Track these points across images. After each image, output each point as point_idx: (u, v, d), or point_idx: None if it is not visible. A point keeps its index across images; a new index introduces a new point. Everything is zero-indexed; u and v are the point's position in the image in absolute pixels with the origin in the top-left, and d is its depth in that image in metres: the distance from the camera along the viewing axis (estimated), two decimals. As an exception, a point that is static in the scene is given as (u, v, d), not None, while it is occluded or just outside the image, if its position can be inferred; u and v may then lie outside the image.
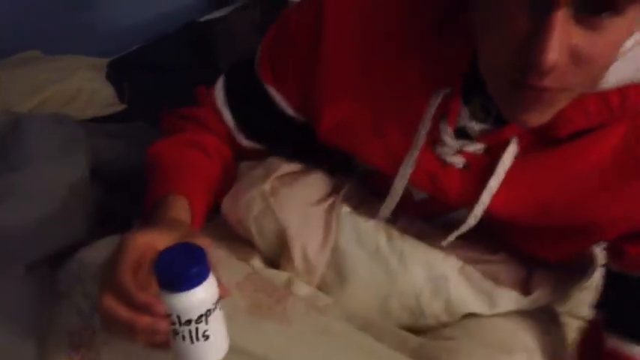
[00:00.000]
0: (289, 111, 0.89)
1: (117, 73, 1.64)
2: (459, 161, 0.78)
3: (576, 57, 0.59)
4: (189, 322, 0.62)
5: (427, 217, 0.91)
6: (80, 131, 1.16)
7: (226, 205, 0.90)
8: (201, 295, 0.62)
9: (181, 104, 0.98)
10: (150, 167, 0.88)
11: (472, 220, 0.80)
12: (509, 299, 0.87)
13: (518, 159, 0.75)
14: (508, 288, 0.88)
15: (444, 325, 0.89)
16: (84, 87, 1.55)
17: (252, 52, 0.93)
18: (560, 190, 0.75)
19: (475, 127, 0.76)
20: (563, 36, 0.57)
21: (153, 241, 0.66)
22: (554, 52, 0.57)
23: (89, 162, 1.08)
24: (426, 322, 0.89)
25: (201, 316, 0.62)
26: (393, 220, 0.91)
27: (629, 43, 0.68)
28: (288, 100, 0.88)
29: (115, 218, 1.00)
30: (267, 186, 0.88)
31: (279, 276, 0.89)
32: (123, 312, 0.62)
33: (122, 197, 1.11)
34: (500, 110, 0.69)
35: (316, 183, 0.92)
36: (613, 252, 0.80)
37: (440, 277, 0.87)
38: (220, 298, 0.64)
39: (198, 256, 0.62)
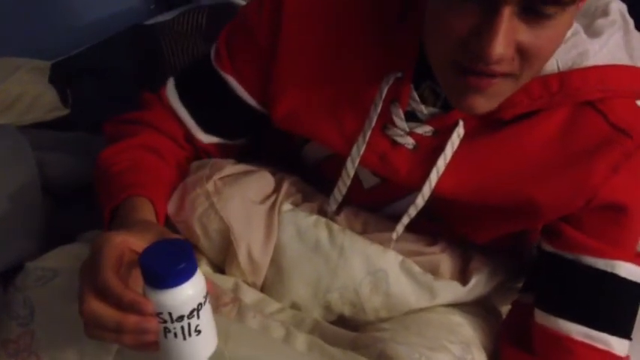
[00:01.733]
0: (249, 100, 0.92)
1: (60, 76, 1.60)
2: (408, 142, 0.82)
3: (521, 50, 0.65)
4: (181, 318, 0.61)
5: (374, 208, 0.94)
6: (25, 142, 1.13)
7: (171, 206, 0.90)
8: (192, 290, 0.60)
9: (126, 108, 0.97)
10: (102, 173, 0.87)
11: (420, 200, 0.83)
12: (449, 290, 0.91)
13: (465, 141, 0.79)
14: (447, 279, 0.91)
15: (383, 321, 0.91)
16: (25, 90, 1.51)
17: (201, 54, 0.95)
18: (503, 171, 0.80)
19: (424, 110, 0.81)
20: (510, 31, 0.62)
21: (129, 241, 0.65)
22: (501, 45, 0.62)
23: (37, 177, 1.06)
24: (366, 318, 0.91)
25: (193, 310, 0.61)
26: (338, 212, 0.93)
27: (569, 31, 0.75)
28: (248, 89, 0.91)
29: (64, 234, 0.98)
30: (210, 186, 0.89)
31: (226, 281, 0.89)
32: (109, 313, 0.61)
33: (72, 213, 1.09)
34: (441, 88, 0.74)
35: (259, 182, 0.93)
36: (549, 232, 0.84)
37: (379, 270, 0.89)
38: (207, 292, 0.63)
39: (185, 250, 0.61)
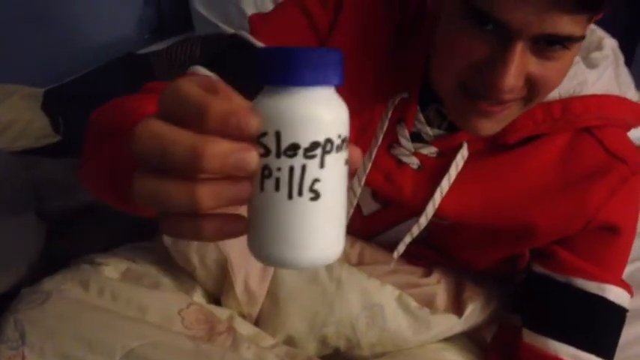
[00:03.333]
0: None
1: (52, 104, 1.60)
2: (413, 162, 0.83)
3: (531, 80, 0.68)
4: (294, 148, 0.38)
5: (370, 235, 0.94)
6: (20, 168, 1.12)
7: (168, 237, 0.89)
8: (327, 109, 0.39)
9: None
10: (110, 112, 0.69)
11: (423, 219, 0.83)
12: (445, 323, 0.92)
13: (469, 163, 0.81)
14: (443, 313, 0.92)
15: (378, 356, 0.91)
16: (17, 117, 1.51)
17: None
18: (505, 193, 0.81)
19: (430, 132, 0.82)
20: (521, 63, 0.66)
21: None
22: (513, 77, 0.65)
23: (32, 202, 1.05)
24: (362, 353, 0.91)
25: (316, 144, 0.38)
26: None
27: None
28: None
29: (60, 259, 0.97)
30: None
31: (221, 312, 0.89)
32: (183, 135, 0.38)
33: (67, 237, 1.08)
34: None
35: None
36: (541, 254, 0.85)
37: (376, 305, 0.89)
38: (349, 154, 0.42)
39: (331, 52, 0.40)
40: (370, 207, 0.90)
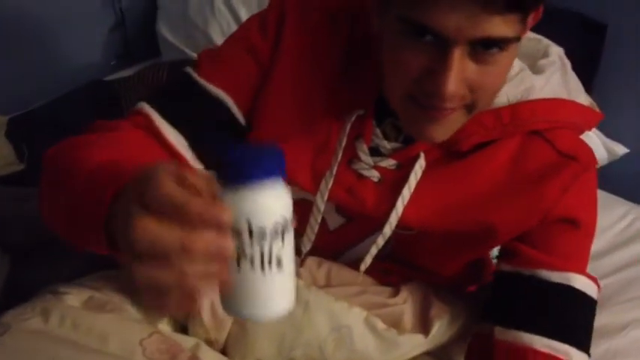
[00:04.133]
0: (238, 115, 0.87)
1: (17, 131, 1.59)
2: (374, 175, 0.86)
3: (472, 85, 0.71)
4: (262, 233, 0.47)
5: (337, 251, 0.95)
6: None
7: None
8: (278, 200, 0.48)
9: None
10: (68, 167, 0.70)
11: (387, 229, 0.85)
12: (411, 343, 0.92)
13: (427, 173, 0.84)
14: (410, 333, 0.93)
15: None
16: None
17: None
18: (463, 197, 0.84)
19: (387, 145, 0.85)
20: (460, 70, 0.68)
21: (186, 167, 0.50)
22: (453, 84, 0.68)
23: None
24: None
25: (277, 224, 0.48)
26: (301, 263, 0.95)
27: (515, 68, 0.83)
28: (239, 104, 0.87)
29: (22, 291, 0.96)
30: None
31: (186, 340, 0.87)
32: (171, 231, 0.45)
33: (29, 268, 1.07)
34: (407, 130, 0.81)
35: None
36: (506, 252, 0.87)
37: (344, 327, 0.90)
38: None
39: (274, 150, 0.49)
40: (335, 221, 0.92)
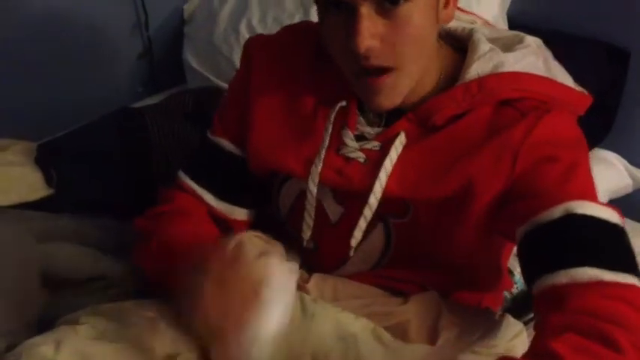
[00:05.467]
0: (236, 151, 1.04)
1: (46, 157, 1.61)
2: (360, 156, 0.94)
3: (386, 40, 0.81)
4: None
5: (345, 252, 0.99)
6: (27, 234, 1.14)
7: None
8: None
9: (111, 191, 0.99)
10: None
11: (373, 199, 0.92)
12: (419, 354, 0.93)
13: (407, 148, 0.92)
14: (417, 343, 0.94)
15: None
16: (11, 170, 1.52)
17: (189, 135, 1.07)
18: (442, 164, 0.91)
19: (371, 131, 0.95)
20: (370, 25, 0.79)
21: None
22: (365, 38, 0.79)
23: (37, 269, 1.08)
24: None
25: None
26: (307, 279, 1.00)
27: (485, 48, 0.92)
28: (232, 140, 1.04)
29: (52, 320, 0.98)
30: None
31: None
32: None
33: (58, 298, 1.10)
34: (386, 113, 0.92)
35: None
36: (509, 220, 0.88)
37: (350, 336, 0.92)
38: None
39: None
40: (335, 211, 0.98)
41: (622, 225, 0.83)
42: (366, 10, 0.78)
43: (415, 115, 0.92)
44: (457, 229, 0.93)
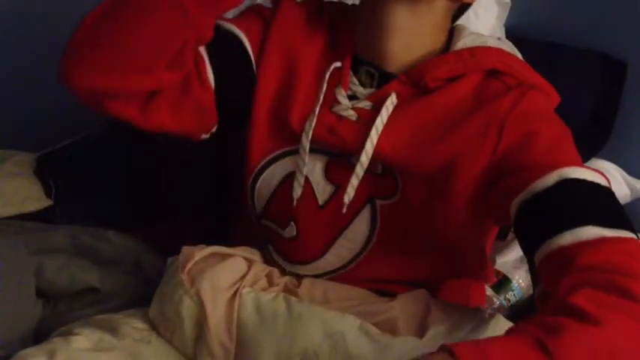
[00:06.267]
0: (249, 49, 1.04)
1: (45, 169, 1.62)
2: (351, 114, 1.00)
3: None
4: None
5: (333, 237, 1.03)
6: (23, 251, 1.14)
7: (153, 305, 0.98)
8: None
9: (111, 201, 0.99)
10: None
11: (364, 157, 0.96)
12: (407, 347, 0.93)
13: (398, 109, 0.97)
14: (405, 336, 0.94)
15: None
16: (10, 182, 1.52)
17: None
18: (430, 128, 0.96)
19: (363, 91, 1.01)
20: None
21: None
22: None
23: (34, 287, 1.09)
24: None
25: None
26: (298, 283, 1.03)
27: (469, 31, 1.03)
28: (251, 39, 1.04)
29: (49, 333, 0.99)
30: (184, 275, 0.97)
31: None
32: None
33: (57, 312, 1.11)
34: (379, 74, 0.99)
35: (230, 268, 1.00)
36: (505, 194, 0.90)
37: (337, 333, 0.93)
38: None
39: None
40: (324, 191, 1.03)
41: (610, 187, 0.88)
42: None
43: (407, 77, 0.98)
44: (446, 209, 0.97)
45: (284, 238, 1.06)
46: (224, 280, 0.97)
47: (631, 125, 1.67)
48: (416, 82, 0.97)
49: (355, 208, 1.00)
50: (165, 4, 0.82)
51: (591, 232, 0.79)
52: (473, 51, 0.98)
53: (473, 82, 0.97)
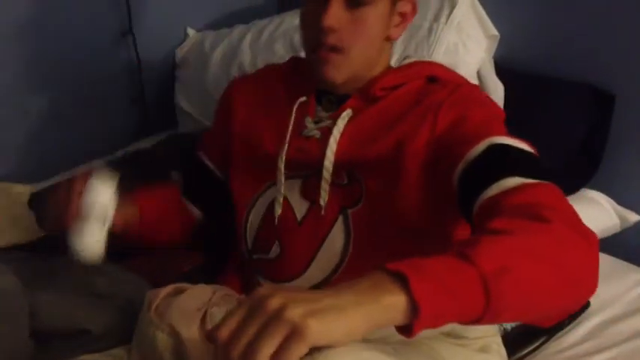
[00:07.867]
0: (216, 171, 1.31)
1: (39, 203, 1.62)
2: (316, 133, 1.15)
3: (344, 29, 1.06)
4: None
5: (311, 253, 1.10)
6: (18, 288, 1.14)
7: (132, 351, 1.04)
8: None
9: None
10: None
11: (327, 161, 1.10)
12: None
13: (354, 118, 1.13)
14: None
15: None
16: (4, 213, 1.53)
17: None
18: (381, 125, 1.10)
19: (326, 114, 1.16)
20: (337, 12, 1.05)
21: None
22: (330, 18, 1.04)
23: (27, 326, 1.09)
24: None
25: None
26: None
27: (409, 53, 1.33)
28: (214, 162, 1.31)
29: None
30: (152, 313, 1.02)
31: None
32: None
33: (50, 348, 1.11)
34: (337, 99, 1.16)
35: (196, 294, 1.05)
36: (448, 170, 0.99)
37: None
38: None
39: None
40: (301, 208, 1.13)
41: (535, 153, 0.96)
42: (336, 3, 1.04)
43: (360, 93, 1.14)
44: (403, 192, 1.05)
45: (270, 259, 1.14)
46: (191, 305, 1.01)
47: (619, 156, 1.69)
48: (367, 95, 1.13)
49: (330, 219, 1.10)
50: None
51: (514, 181, 0.88)
52: (412, 63, 1.19)
53: (415, 86, 1.13)
